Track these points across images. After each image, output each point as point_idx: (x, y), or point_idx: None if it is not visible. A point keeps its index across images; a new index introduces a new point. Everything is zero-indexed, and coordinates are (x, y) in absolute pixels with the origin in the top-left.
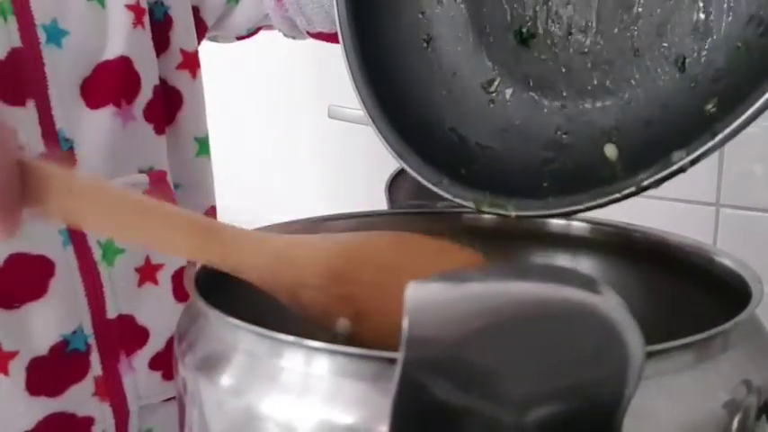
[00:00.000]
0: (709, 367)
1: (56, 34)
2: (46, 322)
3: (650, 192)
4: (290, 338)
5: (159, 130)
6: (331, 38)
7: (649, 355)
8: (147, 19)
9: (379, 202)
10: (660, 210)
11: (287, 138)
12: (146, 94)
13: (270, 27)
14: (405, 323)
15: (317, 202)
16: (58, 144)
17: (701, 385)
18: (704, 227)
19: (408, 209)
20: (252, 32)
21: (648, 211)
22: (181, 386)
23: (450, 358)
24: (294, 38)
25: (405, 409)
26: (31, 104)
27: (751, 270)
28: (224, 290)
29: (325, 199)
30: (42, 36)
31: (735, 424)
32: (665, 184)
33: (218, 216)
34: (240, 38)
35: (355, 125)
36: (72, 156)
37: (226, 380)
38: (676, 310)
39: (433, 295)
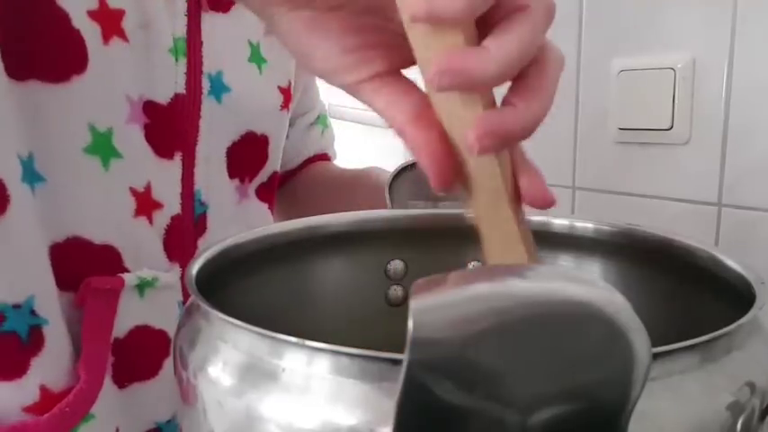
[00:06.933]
0: (714, 369)
1: (219, 87)
2: (147, 407)
3: (652, 191)
4: (292, 339)
5: (272, 211)
6: None
7: (654, 356)
8: (291, 105)
9: None
10: (662, 209)
11: None
12: (263, 176)
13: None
14: (410, 325)
15: None
16: (193, 206)
17: (705, 387)
18: (706, 226)
19: (408, 209)
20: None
21: (650, 210)
22: (181, 386)
23: (455, 360)
24: None
25: (409, 411)
26: (177, 158)
27: (755, 271)
28: (224, 290)
29: None
30: (206, 86)
31: (739, 425)
32: (667, 184)
33: None
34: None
35: (355, 124)
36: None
37: (226, 380)
38: (678, 310)
39: (438, 297)
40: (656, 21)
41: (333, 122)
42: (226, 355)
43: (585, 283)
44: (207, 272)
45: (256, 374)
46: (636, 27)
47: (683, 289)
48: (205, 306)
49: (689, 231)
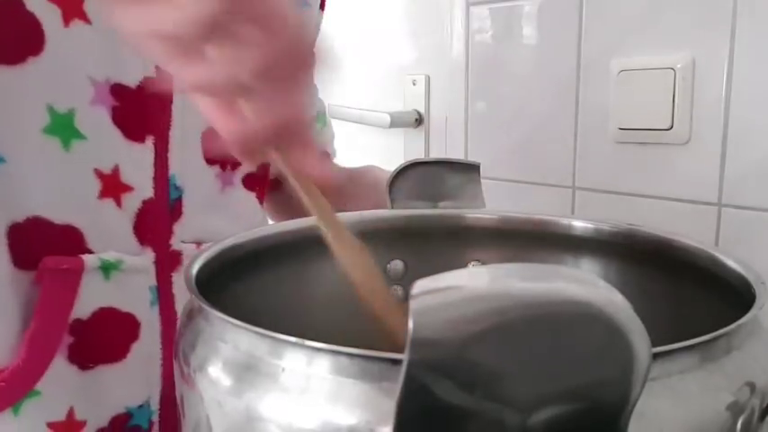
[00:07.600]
0: (713, 369)
1: None
2: (114, 390)
3: (652, 191)
4: (291, 339)
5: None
6: None
7: (654, 356)
8: None
9: None
10: (662, 209)
11: None
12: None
13: None
14: (410, 325)
15: None
16: (167, 189)
17: (705, 387)
18: (706, 226)
19: (408, 209)
20: None
21: (650, 210)
22: (181, 386)
23: (455, 360)
24: None
25: (409, 411)
26: (149, 142)
27: (755, 272)
28: (224, 290)
29: None
30: None
31: (738, 425)
32: (667, 184)
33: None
34: None
35: (355, 124)
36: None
37: (226, 380)
38: (678, 311)
39: (438, 298)
40: (656, 21)
41: (333, 122)
42: (226, 355)
43: (585, 283)
44: (207, 272)
45: (256, 374)
46: (636, 27)
47: (683, 289)
48: (205, 306)
49: (689, 231)
